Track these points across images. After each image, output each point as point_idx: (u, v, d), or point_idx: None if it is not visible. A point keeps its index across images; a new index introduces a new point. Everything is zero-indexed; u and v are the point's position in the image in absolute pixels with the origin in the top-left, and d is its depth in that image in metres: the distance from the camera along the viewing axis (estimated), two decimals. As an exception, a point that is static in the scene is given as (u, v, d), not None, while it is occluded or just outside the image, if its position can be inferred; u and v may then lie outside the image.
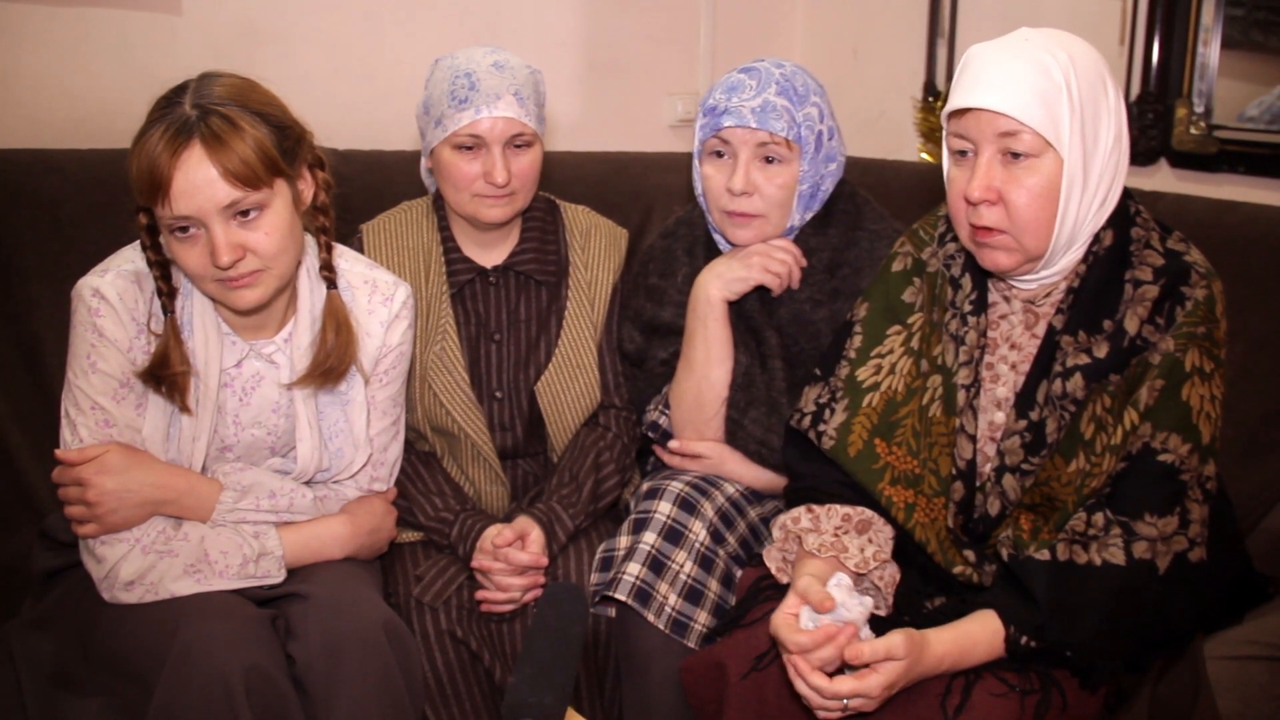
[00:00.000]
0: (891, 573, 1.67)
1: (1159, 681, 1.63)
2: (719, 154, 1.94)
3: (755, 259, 1.95)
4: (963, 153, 1.58)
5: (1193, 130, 2.41)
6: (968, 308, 1.68)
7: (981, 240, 1.58)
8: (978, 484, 1.65)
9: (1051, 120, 1.51)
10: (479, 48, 2.00)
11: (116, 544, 1.65)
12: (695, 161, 1.98)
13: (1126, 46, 2.47)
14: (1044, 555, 1.53)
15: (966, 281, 1.69)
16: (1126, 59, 2.48)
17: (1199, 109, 2.41)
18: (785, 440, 1.84)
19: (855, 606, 1.52)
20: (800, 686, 1.48)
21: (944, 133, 1.61)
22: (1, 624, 1.80)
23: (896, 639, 1.46)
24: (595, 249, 2.14)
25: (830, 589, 1.52)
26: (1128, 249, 1.60)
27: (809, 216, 1.99)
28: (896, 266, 1.78)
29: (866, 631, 1.53)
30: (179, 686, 1.53)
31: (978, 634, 1.52)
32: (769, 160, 1.91)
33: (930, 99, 2.88)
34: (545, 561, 1.93)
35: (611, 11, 2.97)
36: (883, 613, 1.67)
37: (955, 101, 1.56)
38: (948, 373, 1.67)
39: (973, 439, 1.65)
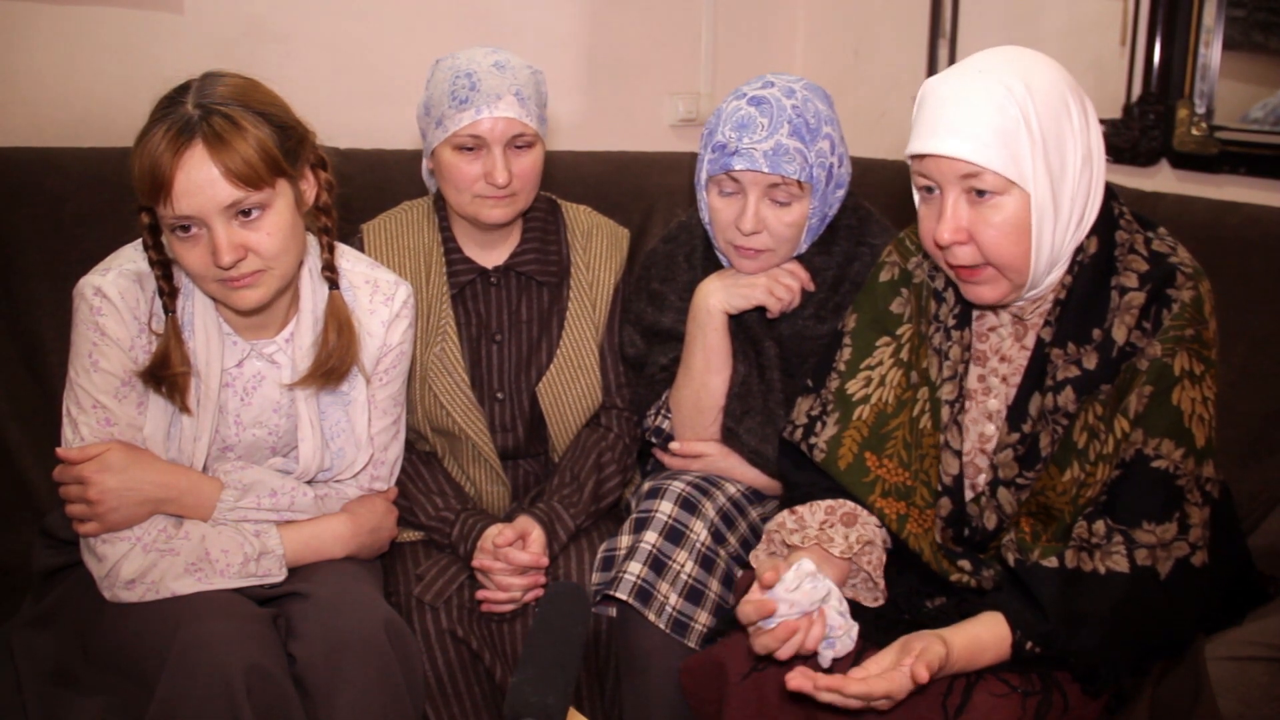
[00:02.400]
0: (879, 555, 1.66)
1: (1160, 682, 1.63)
2: (728, 190, 1.90)
3: (762, 280, 1.94)
4: (929, 189, 1.56)
5: (1194, 131, 2.41)
6: (951, 322, 1.67)
7: (965, 278, 1.58)
8: (971, 497, 1.64)
9: (1012, 158, 1.48)
10: (480, 48, 2.00)
11: (117, 542, 1.64)
12: (700, 190, 1.95)
13: (1128, 47, 2.47)
14: (1052, 562, 1.52)
15: (950, 295, 1.67)
16: (1128, 60, 2.48)
17: (1200, 110, 2.41)
18: (780, 450, 1.84)
19: (808, 590, 1.50)
20: (830, 698, 1.45)
21: (911, 170, 1.59)
22: (2, 622, 1.80)
23: (940, 650, 1.46)
24: (597, 249, 2.14)
25: (789, 573, 1.52)
26: (1112, 254, 1.59)
27: (814, 239, 1.98)
28: (884, 276, 1.77)
29: (835, 617, 1.52)
30: (180, 685, 1.53)
31: (986, 639, 1.51)
32: (779, 201, 1.88)
33: (931, 99, 2.88)
34: (546, 561, 1.93)
35: (613, 11, 2.96)
36: (879, 602, 1.67)
37: (914, 145, 1.54)
38: (933, 386, 1.67)
39: (958, 454, 1.64)
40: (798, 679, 1.43)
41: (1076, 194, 1.55)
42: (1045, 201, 1.51)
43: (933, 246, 1.58)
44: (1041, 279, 1.57)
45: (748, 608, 1.51)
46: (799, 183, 1.86)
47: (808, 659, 1.54)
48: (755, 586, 1.54)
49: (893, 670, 1.45)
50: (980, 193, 1.51)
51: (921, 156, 1.54)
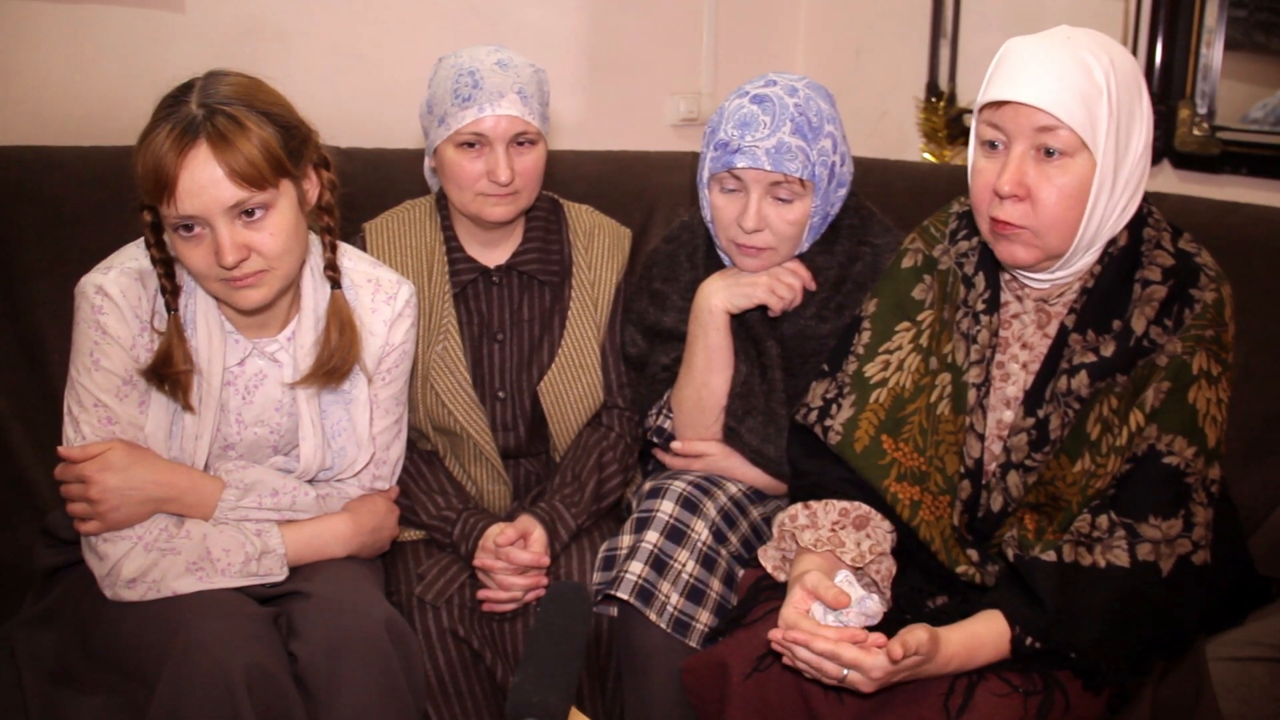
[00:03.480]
0: (888, 566, 1.66)
1: (1161, 682, 1.63)
2: (730, 188, 1.90)
3: (764, 279, 1.94)
4: (993, 144, 1.56)
5: (1195, 131, 2.41)
6: (980, 306, 1.67)
7: (1001, 233, 1.57)
8: (983, 482, 1.65)
9: (1090, 121, 1.50)
10: (482, 46, 2.00)
11: (118, 541, 1.64)
12: (703, 188, 1.96)
13: (1130, 47, 2.47)
14: (1050, 556, 1.53)
15: (980, 280, 1.68)
16: (1129, 60, 2.48)
17: (1202, 110, 2.41)
18: (789, 436, 1.84)
19: (871, 604, 1.52)
20: (801, 653, 1.47)
21: (974, 122, 1.60)
22: (3, 621, 1.80)
23: (922, 636, 1.46)
24: (598, 249, 2.14)
25: (840, 585, 1.53)
26: (1139, 249, 1.60)
27: (816, 238, 1.98)
28: (907, 263, 1.77)
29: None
30: (181, 684, 1.53)
31: (984, 636, 1.52)
32: (781, 198, 1.88)
33: (933, 99, 2.88)
34: (547, 561, 1.93)
35: (614, 10, 2.97)
36: (884, 609, 1.67)
37: (994, 93, 1.54)
38: (958, 371, 1.67)
39: (981, 438, 1.65)
40: (774, 634, 1.49)
41: (1131, 177, 1.56)
42: (1108, 173, 1.53)
43: (986, 199, 1.57)
44: (1079, 255, 1.58)
45: (843, 643, 1.47)
46: (801, 181, 1.86)
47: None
48: (801, 594, 1.54)
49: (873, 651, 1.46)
50: (1049, 152, 1.52)
51: (999, 105, 1.54)
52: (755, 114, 1.85)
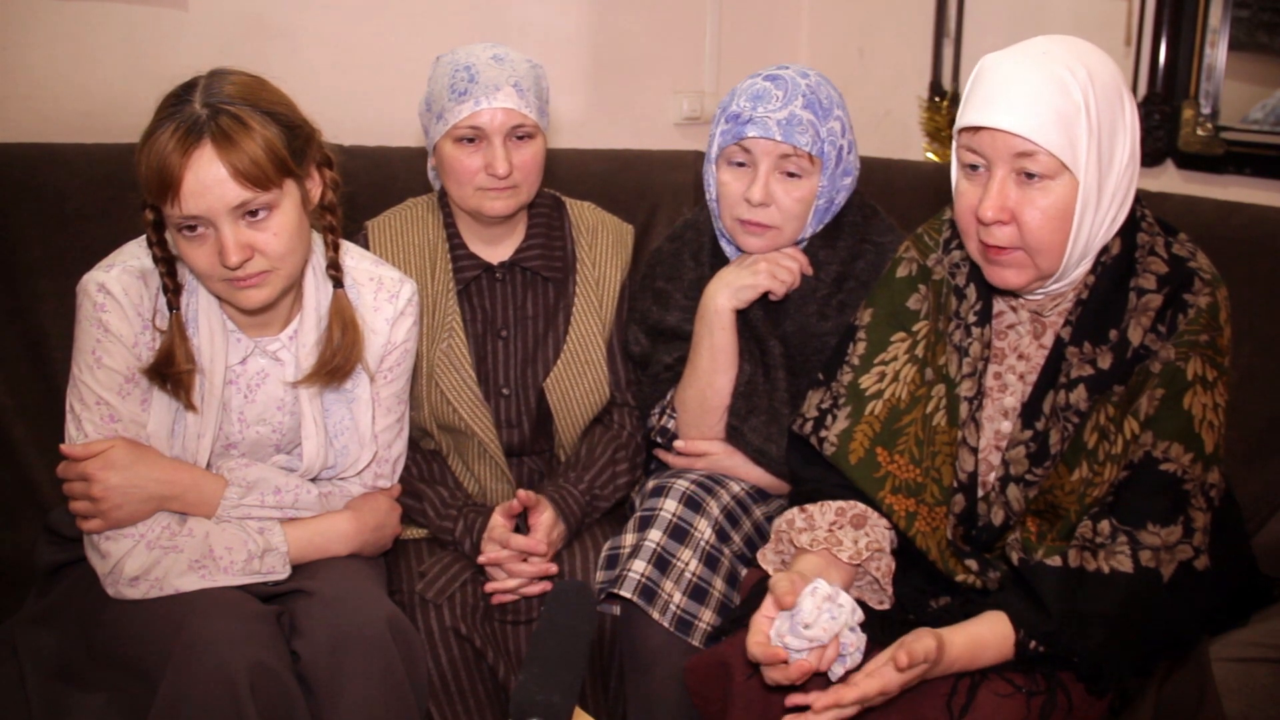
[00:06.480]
0: (887, 563, 1.66)
1: (1164, 683, 1.63)
2: (738, 162, 1.92)
3: (763, 265, 1.95)
4: (974, 167, 1.55)
5: (1199, 132, 2.41)
6: (972, 319, 1.66)
7: (993, 258, 1.56)
8: (981, 494, 1.64)
9: (1069, 142, 1.47)
10: (480, 44, 2.01)
11: (121, 539, 1.64)
12: (710, 165, 1.96)
13: (1133, 48, 2.47)
14: (1055, 561, 1.52)
15: (971, 291, 1.67)
16: (1133, 60, 2.48)
17: (1206, 110, 2.41)
18: (788, 444, 1.84)
19: (827, 624, 1.48)
20: (831, 716, 1.46)
21: (954, 144, 1.58)
22: (5, 618, 1.80)
23: (930, 644, 1.45)
24: (602, 246, 2.14)
25: (804, 595, 1.50)
26: (1133, 256, 1.59)
27: (820, 228, 1.98)
28: (901, 272, 1.76)
29: (849, 635, 1.51)
30: (183, 683, 1.53)
31: (988, 638, 1.51)
32: (789, 173, 1.90)
33: (936, 99, 2.87)
34: (544, 548, 1.92)
35: (618, 9, 2.97)
36: (885, 606, 1.67)
37: (969, 118, 1.52)
38: (952, 383, 1.66)
39: (974, 451, 1.64)
40: (798, 702, 1.45)
41: (1118, 189, 1.54)
42: (1091, 191, 1.51)
43: (970, 222, 1.56)
44: (1070, 271, 1.57)
45: (757, 650, 1.50)
46: (810, 157, 1.87)
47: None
48: (769, 602, 1.53)
49: (882, 667, 1.45)
50: (1030, 175, 1.50)
51: (975, 130, 1.52)
52: (768, 89, 1.89)
